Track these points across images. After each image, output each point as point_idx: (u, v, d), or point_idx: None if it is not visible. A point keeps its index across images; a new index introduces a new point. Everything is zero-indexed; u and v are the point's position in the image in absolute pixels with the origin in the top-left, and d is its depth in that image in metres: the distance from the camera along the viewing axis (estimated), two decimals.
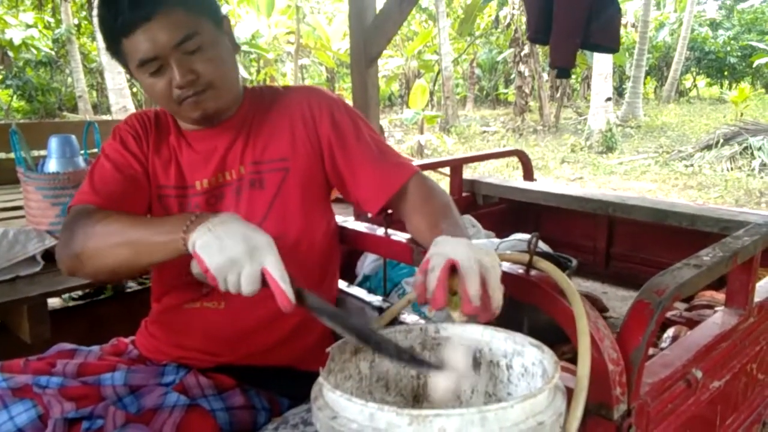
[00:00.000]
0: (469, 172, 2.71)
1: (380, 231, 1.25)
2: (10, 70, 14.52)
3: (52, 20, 14.47)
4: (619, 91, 16.78)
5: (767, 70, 18.59)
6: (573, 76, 15.85)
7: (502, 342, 0.84)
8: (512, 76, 16.09)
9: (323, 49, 13.56)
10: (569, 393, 0.73)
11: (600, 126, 10.56)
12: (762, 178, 7.49)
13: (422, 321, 1.05)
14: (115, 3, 0.96)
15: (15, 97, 15.53)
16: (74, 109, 15.56)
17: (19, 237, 1.51)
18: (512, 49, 13.45)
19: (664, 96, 17.61)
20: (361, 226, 1.30)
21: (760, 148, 8.13)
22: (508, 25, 13.76)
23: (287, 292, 0.78)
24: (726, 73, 19.59)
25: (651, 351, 1.18)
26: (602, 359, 0.77)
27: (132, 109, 10.80)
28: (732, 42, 18.68)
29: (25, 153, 1.68)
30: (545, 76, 13.52)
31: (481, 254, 0.79)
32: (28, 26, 12.86)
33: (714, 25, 19.54)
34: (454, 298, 0.79)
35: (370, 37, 2.41)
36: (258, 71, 14.99)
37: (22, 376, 0.98)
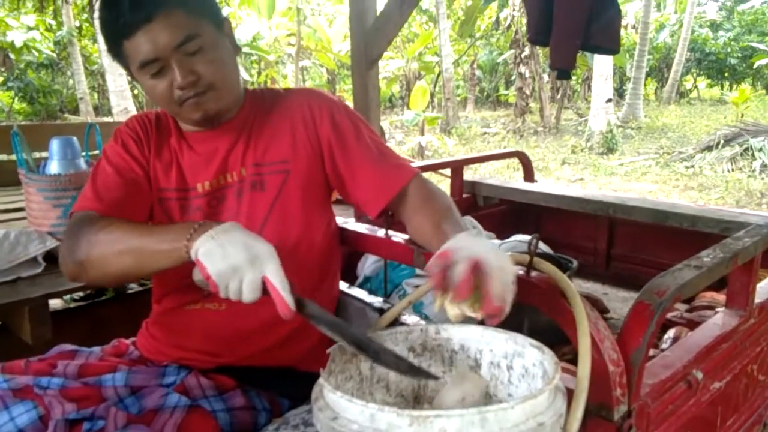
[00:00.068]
0: (469, 174, 2.70)
1: (381, 232, 1.25)
2: (12, 72, 14.54)
3: (53, 22, 14.50)
4: (620, 93, 16.78)
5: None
6: (573, 78, 15.85)
7: (502, 343, 0.85)
8: (513, 78, 16.08)
9: (324, 51, 13.57)
10: (570, 394, 0.73)
11: (600, 127, 10.56)
12: (763, 179, 7.48)
13: (423, 322, 1.05)
14: (116, 5, 0.96)
15: (16, 99, 15.55)
16: (75, 111, 15.58)
17: (21, 238, 1.51)
18: (513, 51, 13.45)
19: (665, 97, 17.60)
20: (362, 228, 1.30)
21: (761, 149, 8.12)
22: (509, 26, 13.76)
23: (287, 301, 0.80)
24: (726, 74, 19.59)
25: (652, 352, 1.18)
26: (603, 360, 0.77)
27: (133, 111, 10.81)
28: (732, 43, 18.68)
29: (27, 155, 1.68)
30: (546, 77, 13.52)
31: (503, 257, 0.79)
32: (30, 28, 12.89)
33: (714, 26, 19.54)
34: (473, 295, 0.78)
35: (370, 39, 2.41)
36: (259, 73, 15.00)
37: (23, 377, 0.98)
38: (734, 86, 18.83)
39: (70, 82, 16.19)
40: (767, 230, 1.12)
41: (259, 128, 1.13)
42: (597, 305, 1.87)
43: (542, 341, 0.80)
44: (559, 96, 14.41)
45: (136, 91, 13.11)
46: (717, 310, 1.41)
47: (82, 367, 1.04)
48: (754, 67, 17.58)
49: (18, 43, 12.52)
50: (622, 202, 1.95)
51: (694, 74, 20.27)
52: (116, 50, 1.02)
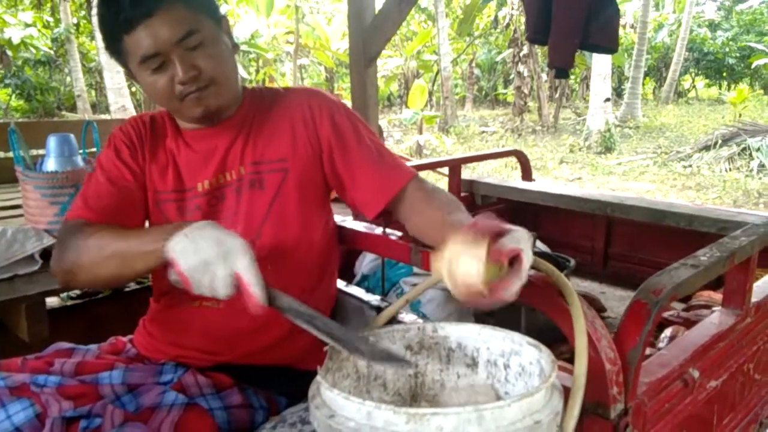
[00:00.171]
0: (467, 173, 2.71)
1: (378, 230, 1.25)
2: (9, 69, 14.51)
3: (51, 19, 14.47)
4: (618, 92, 16.80)
5: (766, 71, 18.61)
6: (572, 77, 15.86)
7: (499, 341, 0.85)
8: (511, 77, 16.11)
9: (322, 49, 13.55)
10: (567, 392, 0.73)
11: (599, 126, 10.57)
12: (760, 178, 7.50)
13: (420, 321, 1.05)
14: (116, 0, 0.96)
15: (14, 96, 15.51)
16: (73, 109, 15.55)
17: (18, 236, 1.51)
18: (511, 50, 13.46)
19: (663, 97, 17.63)
20: (360, 226, 1.30)
21: (758, 149, 8.14)
22: (507, 25, 13.78)
23: (257, 296, 0.80)
24: (725, 74, 19.62)
25: (648, 351, 1.18)
26: (599, 358, 0.77)
27: (131, 108, 10.79)
28: (731, 43, 18.71)
29: (24, 152, 1.67)
30: (544, 76, 13.53)
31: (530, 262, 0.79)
32: (27, 25, 12.85)
33: (713, 26, 19.57)
34: (492, 268, 0.74)
35: (369, 37, 2.41)
36: (257, 71, 14.98)
37: (20, 374, 0.98)
38: (732, 86, 18.87)
39: (68, 79, 16.16)
40: (764, 229, 1.13)
41: (258, 126, 1.13)
42: (594, 304, 1.87)
43: (540, 340, 0.80)
44: (557, 95, 14.42)
45: (133, 89, 13.09)
46: (714, 309, 1.41)
47: (79, 365, 1.04)
48: (752, 67, 17.60)
49: (15, 40, 12.48)
50: (619, 201, 1.96)
51: (693, 74, 20.30)
52: (115, 46, 1.01)
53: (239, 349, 1.10)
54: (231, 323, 1.09)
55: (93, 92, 17.74)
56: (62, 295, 2.30)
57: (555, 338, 0.95)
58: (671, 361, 0.94)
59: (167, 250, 0.82)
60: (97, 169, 1.11)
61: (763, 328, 1.21)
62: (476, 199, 2.41)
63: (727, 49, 18.59)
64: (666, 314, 1.62)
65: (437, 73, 14.63)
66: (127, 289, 2.33)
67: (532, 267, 0.90)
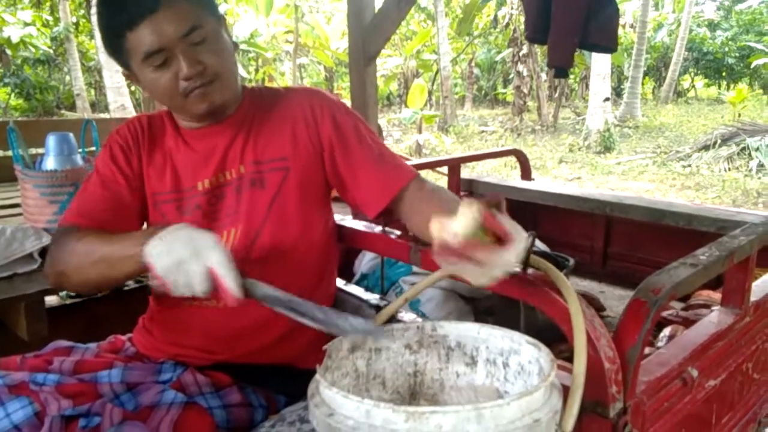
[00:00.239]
0: (467, 172, 2.71)
1: (378, 229, 1.25)
2: (8, 68, 14.50)
3: (50, 18, 14.47)
4: (618, 92, 16.81)
5: (765, 70, 18.62)
6: (571, 77, 15.87)
7: (499, 340, 0.85)
8: (511, 76, 16.11)
9: (322, 49, 13.56)
10: (566, 391, 0.73)
11: (598, 126, 10.57)
12: (759, 178, 7.50)
13: (419, 319, 1.05)
14: None
15: (13, 95, 15.50)
16: (72, 108, 15.54)
17: (17, 234, 1.51)
18: (511, 49, 13.46)
19: (662, 96, 17.64)
20: (359, 225, 1.30)
21: (757, 149, 8.15)
22: (507, 24, 13.78)
23: (231, 288, 0.82)
24: (724, 73, 19.63)
25: (647, 350, 1.18)
26: (598, 357, 0.77)
27: (130, 107, 10.78)
28: (730, 43, 18.72)
29: (23, 151, 1.67)
30: (544, 76, 13.53)
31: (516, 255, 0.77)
32: (26, 24, 12.85)
33: (712, 25, 19.58)
34: (480, 232, 0.74)
35: (368, 36, 2.41)
36: (256, 70, 14.99)
37: (19, 373, 0.98)
38: (731, 86, 18.89)
39: (67, 78, 16.15)
40: (763, 229, 1.13)
41: (258, 125, 1.13)
42: (593, 303, 1.87)
43: (539, 339, 0.80)
44: (556, 95, 14.43)
45: (133, 88, 13.07)
46: (713, 308, 1.41)
47: (78, 364, 1.04)
48: (752, 66, 17.61)
49: (15, 39, 12.48)
50: (618, 200, 1.96)
51: (692, 73, 20.31)
52: (116, 45, 1.01)
53: (238, 348, 1.10)
54: (230, 322, 1.09)
55: (92, 91, 17.73)
56: (61, 293, 2.30)
57: (554, 337, 0.95)
58: (670, 360, 0.94)
59: (144, 254, 0.84)
60: (94, 172, 1.13)
61: (762, 327, 1.21)
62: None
63: (727, 49, 18.60)
64: (665, 313, 1.62)
65: (437, 73, 14.64)
66: (126, 288, 2.33)
67: (531, 266, 0.90)
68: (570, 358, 0.77)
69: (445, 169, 2.42)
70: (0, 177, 2.45)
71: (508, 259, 0.74)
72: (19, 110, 15.72)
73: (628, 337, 0.81)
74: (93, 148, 1.87)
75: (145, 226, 1.19)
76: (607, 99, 10.90)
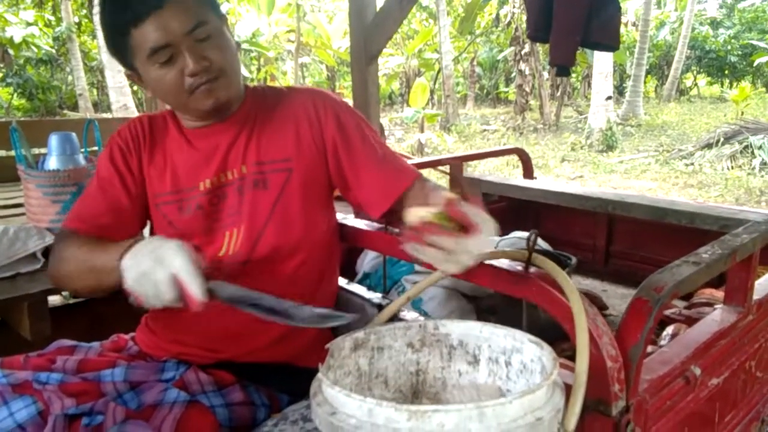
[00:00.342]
0: (469, 171, 2.71)
1: (380, 228, 1.25)
2: (11, 68, 14.51)
3: (52, 18, 14.47)
4: (620, 90, 16.76)
5: None
6: (573, 75, 15.83)
7: (501, 339, 0.85)
8: (513, 75, 16.08)
9: (324, 48, 13.55)
10: (568, 389, 0.73)
11: (600, 125, 10.55)
12: (762, 176, 7.48)
13: (422, 318, 1.05)
14: None
15: (15, 95, 15.52)
16: (75, 107, 15.55)
17: (20, 234, 1.51)
18: (513, 48, 13.43)
19: (665, 95, 17.59)
20: (362, 224, 1.30)
21: (760, 147, 8.12)
22: (509, 23, 13.74)
23: (193, 292, 0.82)
24: (726, 71, 19.57)
25: (650, 349, 1.18)
26: (601, 356, 0.77)
27: (132, 107, 10.80)
28: (733, 41, 18.66)
29: (26, 150, 1.68)
30: (546, 74, 13.52)
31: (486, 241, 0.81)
32: (29, 24, 12.86)
33: (715, 23, 19.52)
34: (443, 217, 0.79)
35: (370, 35, 2.41)
36: (258, 69, 14.98)
37: (22, 372, 0.98)
38: (734, 84, 18.81)
39: (69, 78, 16.16)
40: (766, 227, 1.13)
41: (261, 125, 1.13)
42: (596, 302, 1.87)
43: (541, 337, 0.80)
44: (558, 93, 14.40)
45: (135, 88, 13.08)
46: (715, 306, 1.41)
47: (81, 363, 1.04)
48: (754, 64, 17.55)
49: (17, 39, 12.49)
50: (621, 199, 1.96)
51: (695, 72, 20.25)
52: (121, 42, 1.01)
53: (241, 347, 1.10)
54: (233, 321, 1.09)
55: (95, 91, 17.74)
56: (64, 293, 2.30)
57: (557, 336, 0.95)
58: (673, 359, 0.94)
59: (120, 270, 0.85)
60: (95, 177, 1.14)
61: (765, 325, 1.21)
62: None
63: (729, 47, 18.54)
64: (668, 312, 1.62)
65: (438, 72, 14.62)
66: None
67: (533, 264, 0.90)
68: (572, 357, 0.77)
69: (447, 168, 2.42)
70: (3, 177, 2.45)
71: (470, 248, 0.77)
72: (22, 110, 15.74)
73: (631, 335, 0.81)
74: (95, 148, 1.88)
75: (147, 228, 1.19)
76: (609, 97, 10.87)
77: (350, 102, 1.56)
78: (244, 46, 12.98)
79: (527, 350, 0.81)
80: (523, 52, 12.83)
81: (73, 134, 1.74)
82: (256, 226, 1.09)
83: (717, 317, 1.10)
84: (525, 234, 1.94)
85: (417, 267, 1.82)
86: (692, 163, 8.44)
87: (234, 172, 1.11)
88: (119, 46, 1.02)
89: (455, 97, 14.72)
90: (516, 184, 2.34)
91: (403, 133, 12.63)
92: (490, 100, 20.71)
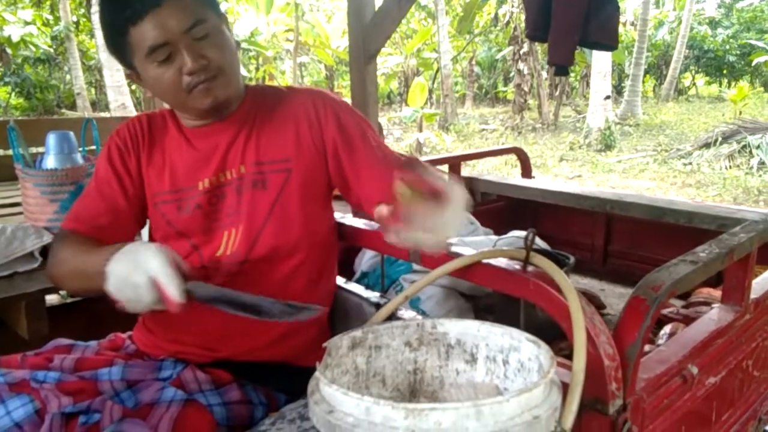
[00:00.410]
0: (467, 170, 2.71)
1: (378, 227, 1.25)
2: (9, 68, 14.49)
3: (50, 17, 14.45)
4: (618, 90, 16.77)
5: (766, 68, 18.58)
6: (572, 75, 15.82)
7: (498, 337, 0.85)
8: (511, 74, 16.09)
9: (322, 47, 13.54)
10: (565, 388, 0.73)
11: (599, 124, 10.56)
12: (760, 176, 7.49)
13: (419, 317, 1.05)
14: None
15: (13, 94, 15.49)
16: (73, 107, 15.53)
17: (17, 233, 1.51)
18: (511, 47, 13.44)
19: (663, 94, 17.61)
20: (360, 223, 1.30)
21: (758, 147, 8.14)
22: (507, 23, 13.75)
23: (170, 294, 0.82)
24: (725, 71, 19.59)
25: (647, 347, 1.18)
26: (598, 354, 0.77)
27: (130, 106, 10.78)
28: (731, 40, 18.67)
29: (23, 149, 1.67)
30: (544, 74, 13.51)
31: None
32: (27, 23, 12.84)
33: (713, 23, 19.53)
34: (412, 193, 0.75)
35: (368, 35, 2.41)
36: (257, 69, 14.97)
37: (20, 371, 0.98)
38: (732, 83, 18.85)
39: (67, 77, 16.14)
40: (763, 226, 1.13)
41: (260, 125, 1.13)
42: (594, 301, 1.87)
43: (539, 336, 0.80)
44: (557, 93, 14.40)
45: (133, 87, 13.07)
46: (713, 305, 1.41)
47: (79, 361, 1.04)
48: (753, 64, 17.56)
49: (15, 38, 12.47)
50: (619, 198, 1.96)
51: (693, 71, 20.26)
52: (119, 41, 1.01)
53: (238, 346, 1.10)
54: (230, 320, 1.08)
55: (93, 90, 17.72)
56: (62, 292, 2.30)
57: (554, 335, 0.95)
58: (670, 358, 0.94)
59: (105, 275, 0.86)
60: (93, 177, 1.14)
61: (762, 324, 1.21)
62: (476, 196, 2.41)
63: (728, 47, 18.56)
64: (665, 311, 1.62)
65: (437, 71, 14.62)
66: None
67: (532, 263, 0.90)
68: (570, 356, 0.77)
69: (445, 168, 2.42)
70: (0, 176, 2.45)
71: (448, 214, 0.73)
72: (20, 109, 15.71)
73: (628, 334, 0.82)
74: (93, 147, 1.87)
75: (147, 228, 1.19)
76: (607, 97, 10.88)
77: (349, 101, 1.56)
78: (243, 45, 12.96)
79: (525, 349, 0.81)
80: (521, 52, 12.84)
81: (71, 133, 1.74)
82: (254, 226, 1.09)
83: (714, 316, 1.10)
84: (523, 233, 1.94)
85: (415, 266, 1.82)
86: (690, 163, 8.45)
87: (233, 172, 1.11)
88: (118, 45, 1.02)
89: (454, 96, 14.73)
90: (514, 184, 2.34)
91: (402, 133, 12.63)
92: (488, 99, 20.71)
